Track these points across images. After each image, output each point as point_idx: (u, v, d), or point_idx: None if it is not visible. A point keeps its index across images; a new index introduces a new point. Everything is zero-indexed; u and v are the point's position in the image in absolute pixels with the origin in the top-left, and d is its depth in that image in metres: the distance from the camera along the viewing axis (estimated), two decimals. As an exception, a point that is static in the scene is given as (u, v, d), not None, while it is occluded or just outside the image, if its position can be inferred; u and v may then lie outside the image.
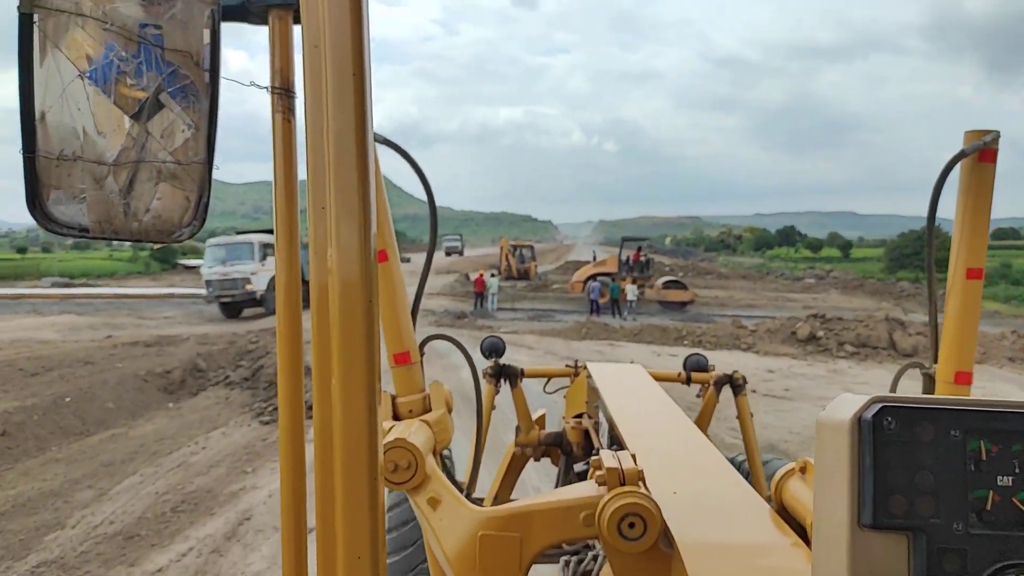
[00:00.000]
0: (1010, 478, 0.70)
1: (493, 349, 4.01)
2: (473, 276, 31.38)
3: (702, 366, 3.79)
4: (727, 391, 3.63)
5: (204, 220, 0.87)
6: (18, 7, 0.81)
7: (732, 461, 2.26)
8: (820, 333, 18.98)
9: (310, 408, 0.85)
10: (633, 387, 2.89)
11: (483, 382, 3.64)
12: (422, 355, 1.92)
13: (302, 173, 0.87)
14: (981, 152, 1.86)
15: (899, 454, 0.71)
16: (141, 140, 0.84)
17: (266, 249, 25.23)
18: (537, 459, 3.92)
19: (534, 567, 1.32)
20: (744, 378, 3.64)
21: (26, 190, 0.83)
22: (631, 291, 27.32)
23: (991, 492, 0.70)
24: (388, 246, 1.74)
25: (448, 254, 75.05)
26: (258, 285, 24.74)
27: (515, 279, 39.86)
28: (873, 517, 0.70)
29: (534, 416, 3.89)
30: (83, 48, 0.82)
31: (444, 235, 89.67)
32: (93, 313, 25.81)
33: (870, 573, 0.70)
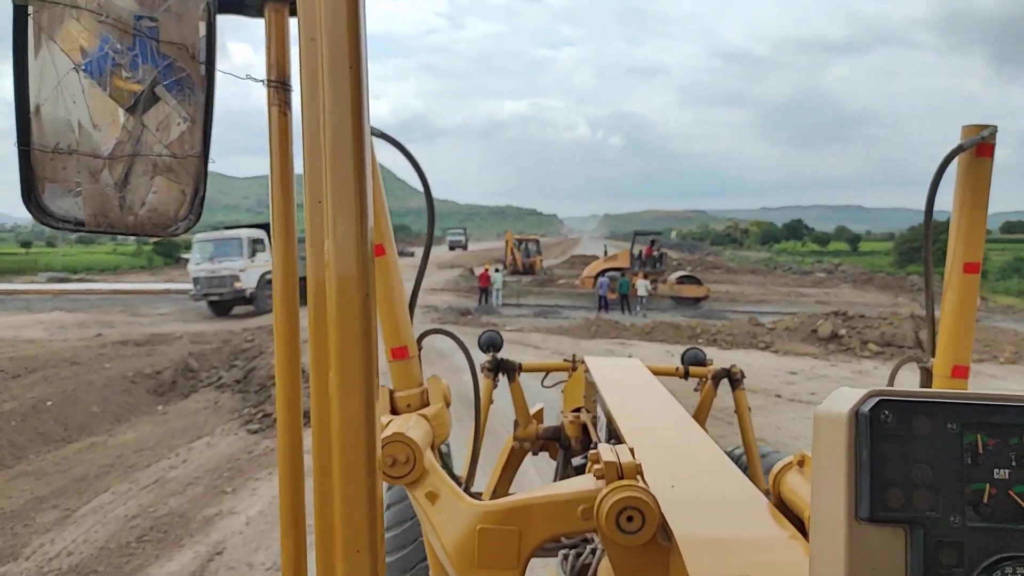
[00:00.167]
0: (1007, 471, 0.70)
1: (491, 344, 4.03)
2: (478, 271, 31.14)
3: (700, 360, 3.80)
4: (726, 388, 3.64)
5: (200, 214, 0.87)
6: None
7: (730, 455, 2.26)
8: (842, 331, 18.36)
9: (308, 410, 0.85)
10: (631, 381, 2.90)
11: (481, 377, 3.65)
12: (420, 349, 1.92)
13: (299, 167, 0.87)
14: (979, 147, 1.85)
15: (896, 447, 0.71)
16: (137, 133, 0.84)
17: (255, 245, 24.28)
18: (535, 453, 3.93)
19: (533, 561, 1.32)
20: (742, 372, 3.64)
21: (21, 184, 0.82)
22: (643, 287, 26.85)
23: (988, 485, 0.70)
24: (385, 240, 1.74)
25: (452, 248, 74.87)
26: (247, 282, 23.66)
27: (520, 273, 39.85)
28: (870, 510, 0.70)
29: (532, 410, 3.90)
30: (78, 40, 0.82)
31: (448, 229, 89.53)
32: (86, 310, 24.91)
33: (868, 566, 0.70)
